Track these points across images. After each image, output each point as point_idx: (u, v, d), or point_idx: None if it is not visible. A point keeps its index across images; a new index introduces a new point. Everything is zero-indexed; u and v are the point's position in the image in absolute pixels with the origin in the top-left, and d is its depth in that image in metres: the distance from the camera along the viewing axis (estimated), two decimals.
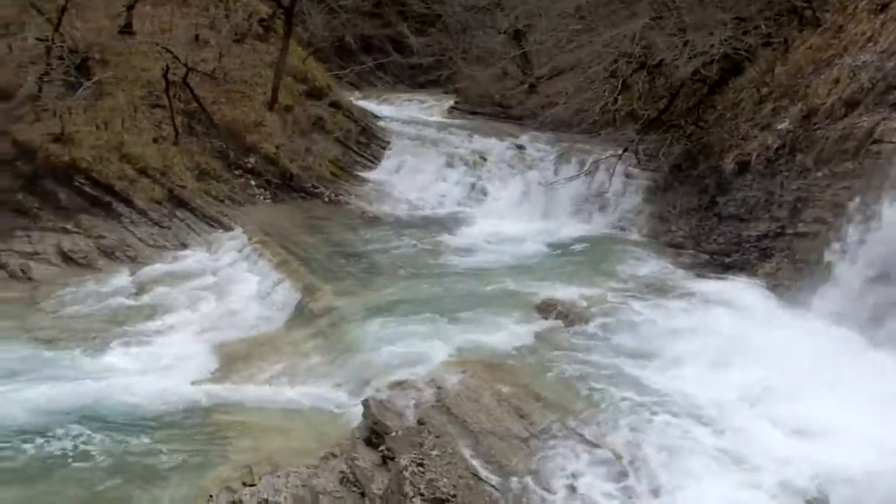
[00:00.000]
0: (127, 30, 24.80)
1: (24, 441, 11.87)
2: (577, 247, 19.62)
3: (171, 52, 22.62)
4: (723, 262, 16.71)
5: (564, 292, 15.37)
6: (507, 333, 13.61)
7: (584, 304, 14.73)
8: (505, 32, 29.79)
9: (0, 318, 16.58)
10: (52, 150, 20.94)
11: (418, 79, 38.05)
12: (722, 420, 10.24)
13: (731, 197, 17.35)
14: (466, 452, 9.18)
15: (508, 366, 11.99)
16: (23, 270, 18.63)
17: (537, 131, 24.87)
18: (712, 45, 18.48)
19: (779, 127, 16.48)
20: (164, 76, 22.37)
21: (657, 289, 15.60)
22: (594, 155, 21.77)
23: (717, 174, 18.00)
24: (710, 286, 15.34)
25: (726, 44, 18.50)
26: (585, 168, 21.49)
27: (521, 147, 24.44)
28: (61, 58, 21.74)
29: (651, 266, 17.45)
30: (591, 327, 13.56)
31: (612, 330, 13.39)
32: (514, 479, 8.89)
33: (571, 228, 20.99)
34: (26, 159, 20.94)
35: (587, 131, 22.06)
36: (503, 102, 30.01)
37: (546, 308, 14.61)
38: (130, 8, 24.81)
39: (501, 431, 9.67)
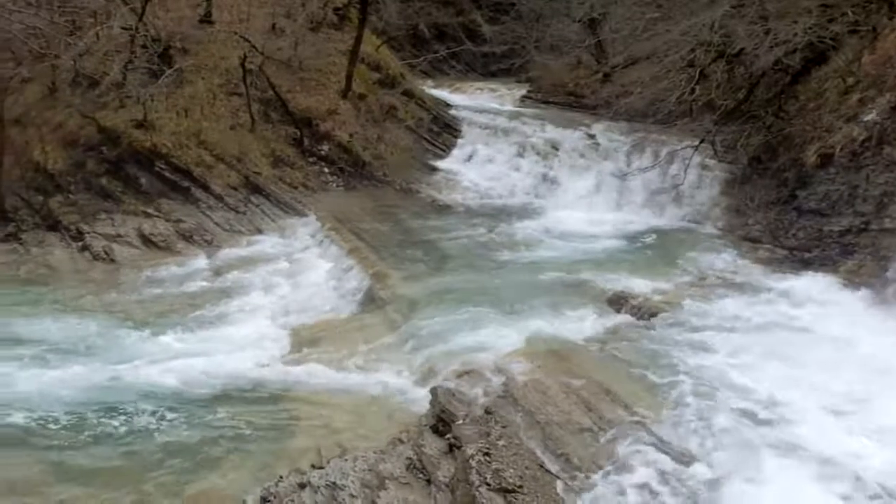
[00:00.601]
0: (207, 19, 25.39)
1: (110, 415, 12.36)
2: (650, 239, 19.32)
3: (248, 41, 23.05)
4: (802, 258, 16.22)
5: (636, 285, 15.20)
6: (577, 325, 13.53)
7: (657, 297, 14.52)
8: (580, 21, 29.38)
9: (84, 297, 17.28)
10: (134, 135, 21.63)
11: (491, 67, 37.89)
12: (795, 417, 9.97)
13: (812, 191, 16.82)
14: (533, 444, 9.15)
15: (577, 358, 11.87)
16: (106, 252, 19.30)
17: (611, 121, 24.49)
18: (795, 34, 17.85)
19: (865, 118, 15.88)
20: (242, 64, 22.81)
21: (732, 283, 15.25)
22: (669, 146, 21.34)
23: (797, 167, 17.46)
24: (788, 282, 14.92)
25: (810, 32, 17.85)
26: (660, 159, 21.09)
27: (593, 137, 24.11)
28: (144, 46, 22.38)
29: (726, 260, 17.06)
30: (662, 321, 13.33)
31: (684, 324, 13.14)
32: (581, 472, 8.82)
33: (644, 220, 20.68)
34: (111, 145, 21.69)
35: (662, 122, 21.61)
36: (576, 92, 29.63)
37: (617, 301, 14.45)
38: None
39: (569, 424, 9.60)
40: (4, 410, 12.26)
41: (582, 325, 13.62)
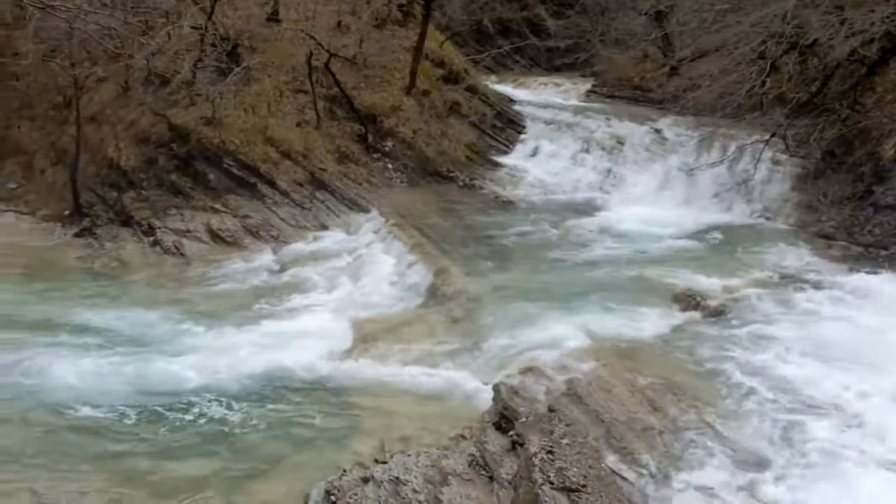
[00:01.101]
0: (274, 17, 25.77)
1: (175, 407, 12.66)
2: (718, 235, 18.92)
3: (314, 39, 23.31)
4: (878, 256, 15.71)
5: (703, 282, 14.92)
6: (642, 323, 13.34)
7: (725, 295, 14.25)
8: (646, 13, 28.93)
9: (155, 290, 17.72)
10: (203, 132, 22.10)
11: (555, 62, 37.62)
12: (867, 419, 9.66)
13: (889, 185, 16.28)
14: (597, 443, 9.06)
15: (643, 356, 11.72)
16: (176, 247, 19.76)
17: (678, 115, 24.06)
18: (873, 23, 17.25)
19: None
20: (308, 62, 23.08)
21: (804, 281, 14.86)
22: (738, 140, 20.88)
23: (874, 161, 16.91)
24: (863, 280, 14.47)
25: (888, 21, 17.22)
26: (729, 154, 20.65)
27: (660, 132, 23.71)
28: (214, 45, 22.84)
29: (798, 257, 16.63)
30: (730, 319, 13.09)
31: (753, 323, 12.86)
32: (646, 472, 8.71)
33: (712, 216, 20.25)
34: (181, 142, 22.20)
35: (731, 115, 21.08)
36: (642, 85, 29.21)
37: (684, 298, 14.19)
38: None
39: (634, 423, 9.48)
40: (70, 403, 12.59)
41: (647, 322, 13.41)
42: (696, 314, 13.58)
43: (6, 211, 22.57)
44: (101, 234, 20.86)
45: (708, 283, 14.82)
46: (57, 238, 21.04)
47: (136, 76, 23.71)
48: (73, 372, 13.55)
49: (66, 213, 21.81)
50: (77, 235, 20.99)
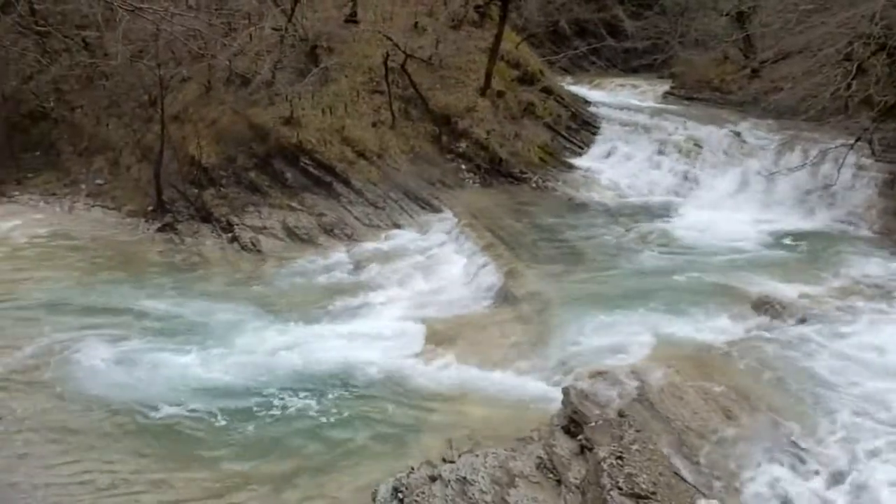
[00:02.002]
0: (352, 18, 26.14)
1: (247, 401, 12.98)
2: (798, 242, 18.39)
3: (391, 40, 23.55)
4: None
5: (782, 289, 14.52)
6: (717, 329, 13.07)
7: (804, 302, 13.82)
8: (727, 14, 28.31)
9: (232, 286, 18.17)
10: (282, 132, 22.56)
11: (632, 63, 37.14)
12: None
13: None
14: (668, 450, 8.91)
15: (717, 363, 11.48)
16: (253, 243, 20.22)
17: (758, 118, 23.52)
18: None
19: None
20: (385, 63, 23.34)
21: (888, 291, 14.30)
22: (821, 144, 20.21)
23: None
24: None
25: None
26: (811, 158, 20.00)
27: (739, 135, 23.17)
28: (293, 46, 23.33)
29: (882, 266, 16.04)
30: (810, 328, 12.69)
31: (833, 332, 12.46)
32: (718, 482, 8.52)
33: (792, 222, 19.70)
34: (260, 141, 22.71)
35: (814, 119, 20.45)
36: (722, 88, 28.58)
37: (761, 305, 13.83)
38: None
39: (707, 431, 9.29)
40: (150, 395, 13.02)
41: (722, 328, 13.13)
42: (774, 322, 13.22)
43: (94, 206, 23.50)
44: (182, 230, 21.48)
45: (787, 291, 14.41)
46: (140, 233, 21.77)
47: (218, 76, 24.35)
48: (149, 364, 14.04)
49: (150, 208, 22.53)
50: (159, 230, 21.66)
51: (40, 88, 26.92)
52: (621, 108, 27.60)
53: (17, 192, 24.60)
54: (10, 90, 26.60)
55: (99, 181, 24.53)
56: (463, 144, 23.93)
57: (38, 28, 25.95)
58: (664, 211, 21.22)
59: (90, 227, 22.15)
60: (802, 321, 12.96)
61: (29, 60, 26.49)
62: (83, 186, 24.52)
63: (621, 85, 33.39)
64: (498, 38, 25.01)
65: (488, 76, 24.98)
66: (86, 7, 23.66)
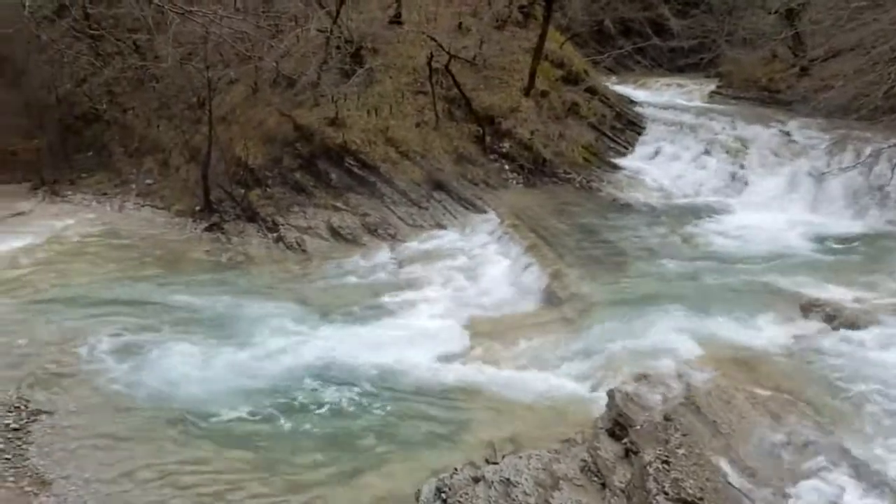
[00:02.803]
0: (396, 20, 26.25)
1: (292, 399, 13.12)
2: (850, 244, 18.01)
3: (435, 40, 23.60)
4: None
5: (833, 293, 14.22)
6: (766, 332, 12.87)
7: (856, 306, 13.50)
8: (776, 12, 27.79)
9: (278, 285, 18.38)
10: (326, 132, 22.76)
11: (678, 62, 36.70)
12: None
13: None
14: (715, 455, 8.77)
15: (765, 367, 11.30)
16: (298, 243, 20.43)
17: (808, 118, 23.09)
18: None
19: None
20: (429, 63, 23.40)
21: None
22: (874, 144, 19.78)
23: None
24: None
25: None
26: (864, 158, 19.59)
27: (788, 134, 22.77)
28: (338, 47, 23.52)
29: None
30: (862, 333, 12.39)
31: (887, 339, 12.13)
32: (767, 489, 8.37)
33: (844, 224, 19.31)
34: (305, 141, 22.95)
35: (867, 118, 20.02)
36: (770, 87, 28.13)
37: (811, 308, 13.56)
38: None
39: (755, 436, 9.13)
40: (198, 395, 13.17)
41: (771, 332, 12.91)
42: (824, 326, 12.94)
43: (144, 205, 23.99)
44: (229, 230, 21.79)
45: (839, 294, 14.11)
46: (188, 232, 22.16)
47: (265, 78, 24.65)
48: (196, 361, 14.26)
49: (198, 208, 22.91)
50: (207, 230, 22.01)
51: (93, 91, 27.58)
52: (667, 108, 27.31)
53: (70, 192, 25.24)
54: (65, 92, 27.29)
55: (148, 181, 25.03)
56: (506, 144, 23.89)
57: (92, 32, 26.57)
58: (710, 212, 20.93)
59: (140, 226, 22.62)
60: (854, 326, 12.67)
61: (82, 63, 27.16)
62: (133, 186, 25.05)
63: (667, 84, 33.06)
64: (542, 37, 24.91)
65: (532, 76, 24.91)
66: (137, 11, 24.17)
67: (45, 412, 12.33)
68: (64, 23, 25.46)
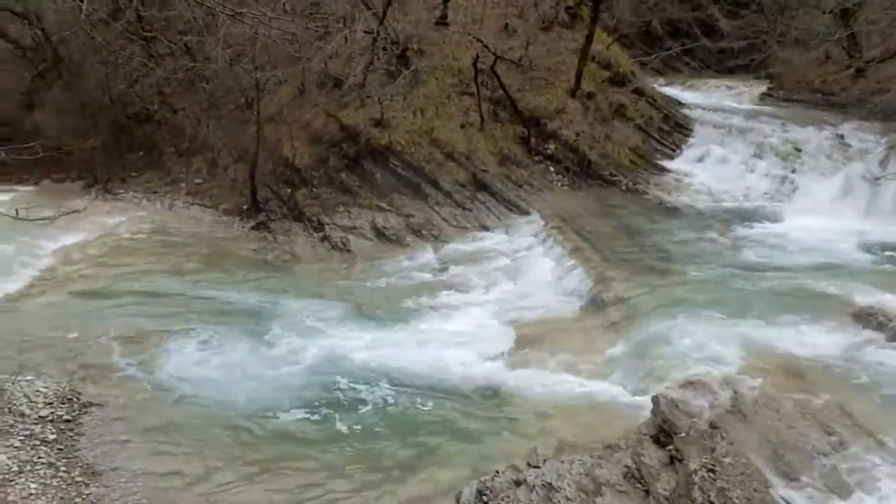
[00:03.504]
0: (442, 21, 26.28)
1: (335, 397, 13.22)
2: None
3: (481, 42, 23.57)
4: None
5: (887, 301, 13.82)
6: (816, 340, 12.59)
7: None
8: (830, 12, 27.18)
9: (323, 284, 18.52)
10: (372, 133, 22.88)
11: (727, 64, 36.11)
12: None
13: None
14: (763, 465, 8.61)
15: (815, 375, 11.07)
16: (343, 243, 20.56)
17: (863, 120, 22.51)
18: None
19: None
20: (474, 65, 23.37)
21: None
22: None
23: None
24: None
25: None
26: None
27: (842, 137, 22.25)
28: (384, 49, 23.60)
29: None
30: None
31: None
32: (816, 501, 8.19)
33: None
34: (351, 142, 23.10)
35: None
36: (823, 89, 27.51)
37: (864, 316, 13.24)
38: (447, 0, 26.23)
39: (804, 447, 8.94)
40: (242, 392, 13.36)
41: (821, 340, 12.64)
42: (878, 335, 12.63)
43: (193, 204, 24.39)
44: (275, 229, 22.04)
45: (893, 303, 13.74)
46: (236, 230, 22.47)
47: (312, 79, 24.87)
48: (241, 357, 14.46)
49: (245, 207, 23.21)
50: (253, 229, 22.30)
51: (145, 91, 28.12)
52: (716, 110, 26.90)
53: (122, 190, 25.80)
54: (118, 93, 27.88)
55: (197, 180, 25.43)
56: (552, 146, 23.76)
57: (144, 34, 27.07)
58: (760, 216, 20.56)
59: (188, 225, 23.02)
60: None
61: (135, 65, 27.68)
62: (183, 185, 25.49)
63: (716, 86, 32.55)
64: (589, 38, 24.72)
65: (578, 77, 24.74)
66: (188, 13, 24.49)
67: (96, 404, 12.60)
68: (118, 25, 25.94)
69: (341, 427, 12.41)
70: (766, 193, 21.90)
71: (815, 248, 18.00)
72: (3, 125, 27.88)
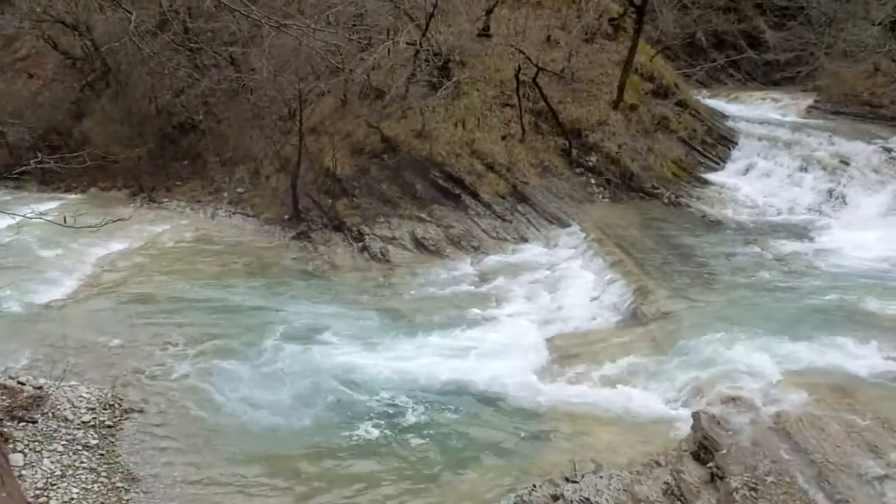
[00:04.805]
0: (485, 32, 26.31)
1: (372, 405, 13.22)
2: None
3: (523, 53, 23.56)
4: None
5: None
6: (863, 358, 12.29)
7: None
8: (879, 24, 26.71)
9: (361, 294, 18.58)
10: (413, 144, 22.97)
11: (773, 76, 35.66)
12: None
13: None
14: (807, 485, 8.43)
15: (862, 394, 10.79)
16: (382, 253, 20.63)
17: None
18: None
19: None
20: (516, 76, 23.35)
21: None
22: None
23: None
24: None
25: None
26: None
27: (891, 151, 21.77)
28: (427, 60, 23.69)
29: None
30: None
31: None
32: None
33: None
34: (392, 153, 23.21)
35: None
36: (872, 101, 26.98)
37: None
38: (489, 12, 26.29)
39: (850, 467, 8.72)
40: (281, 400, 13.44)
41: (869, 358, 12.33)
42: None
43: (235, 213, 24.69)
44: (316, 238, 22.19)
45: None
46: (277, 239, 22.69)
47: (354, 90, 25.06)
48: (281, 365, 14.54)
49: (286, 216, 23.43)
50: (294, 238, 22.48)
51: (190, 102, 28.60)
52: (761, 123, 26.55)
53: (166, 199, 26.22)
54: (164, 103, 28.43)
55: (240, 190, 25.74)
56: (593, 158, 23.63)
57: (191, 45, 27.54)
58: (806, 230, 20.20)
59: (230, 233, 23.30)
60: None
61: (181, 75, 28.18)
62: (225, 194, 25.82)
63: (761, 98, 32.09)
64: (632, 50, 24.57)
65: (621, 89, 24.59)
66: (234, 24, 24.88)
67: (137, 411, 12.78)
68: (165, 36, 26.45)
69: (379, 438, 12.42)
70: (811, 207, 21.53)
71: (863, 264, 17.63)
72: (54, 133, 28.61)
